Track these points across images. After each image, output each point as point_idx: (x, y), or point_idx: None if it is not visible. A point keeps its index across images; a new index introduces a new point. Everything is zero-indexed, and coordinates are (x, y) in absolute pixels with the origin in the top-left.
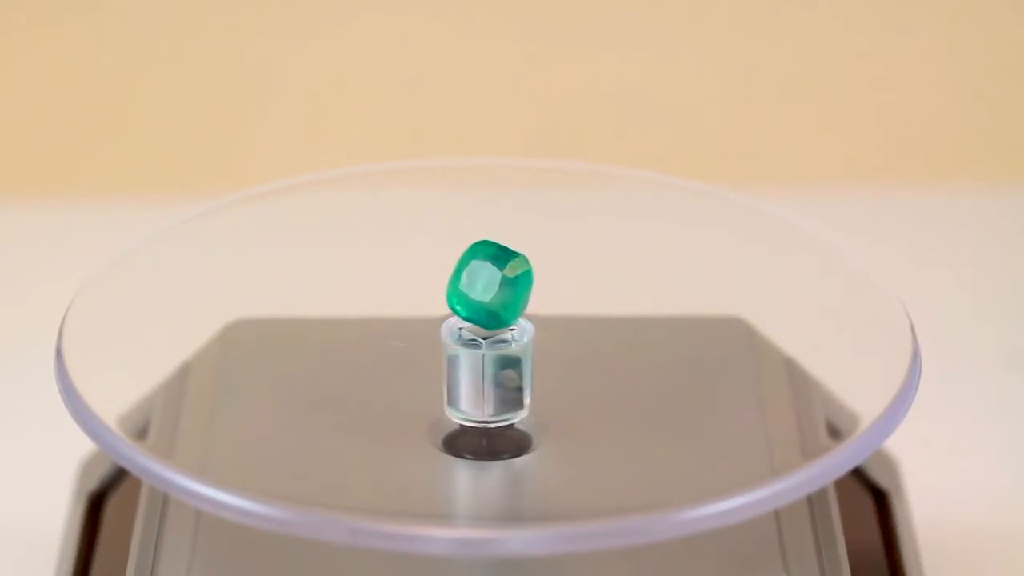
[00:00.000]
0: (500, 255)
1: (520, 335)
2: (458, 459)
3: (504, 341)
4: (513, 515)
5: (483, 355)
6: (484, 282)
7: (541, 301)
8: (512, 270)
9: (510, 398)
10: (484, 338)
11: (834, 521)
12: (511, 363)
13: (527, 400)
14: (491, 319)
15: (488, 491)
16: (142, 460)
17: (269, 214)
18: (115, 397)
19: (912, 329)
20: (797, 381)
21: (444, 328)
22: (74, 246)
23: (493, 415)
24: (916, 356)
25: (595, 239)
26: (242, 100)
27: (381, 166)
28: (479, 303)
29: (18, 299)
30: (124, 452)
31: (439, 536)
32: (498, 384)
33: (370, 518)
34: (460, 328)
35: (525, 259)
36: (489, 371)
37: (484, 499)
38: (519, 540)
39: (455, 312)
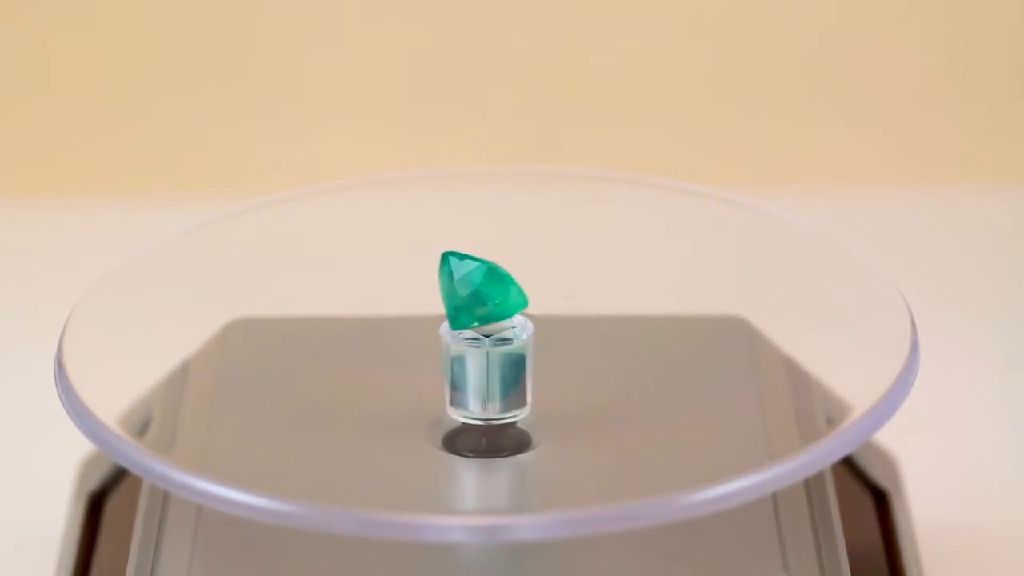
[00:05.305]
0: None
1: (520, 332)
2: (458, 457)
3: (504, 339)
4: (514, 512)
5: (482, 353)
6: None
7: (541, 301)
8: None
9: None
10: (484, 336)
11: (834, 521)
12: (511, 361)
13: (528, 398)
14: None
15: (488, 488)
16: (141, 458)
17: (269, 215)
18: (115, 396)
19: (912, 320)
20: (797, 380)
21: (444, 327)
22: (75, 246)
23: (493, 413)
24: (915, 347)
25: (595, 239)
26: (243, 100)
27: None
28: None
29: (18, 298)
30: (123, 450)
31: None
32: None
33: (374, 511)
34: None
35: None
36: (489, 369)
37: (484, 496)
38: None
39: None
